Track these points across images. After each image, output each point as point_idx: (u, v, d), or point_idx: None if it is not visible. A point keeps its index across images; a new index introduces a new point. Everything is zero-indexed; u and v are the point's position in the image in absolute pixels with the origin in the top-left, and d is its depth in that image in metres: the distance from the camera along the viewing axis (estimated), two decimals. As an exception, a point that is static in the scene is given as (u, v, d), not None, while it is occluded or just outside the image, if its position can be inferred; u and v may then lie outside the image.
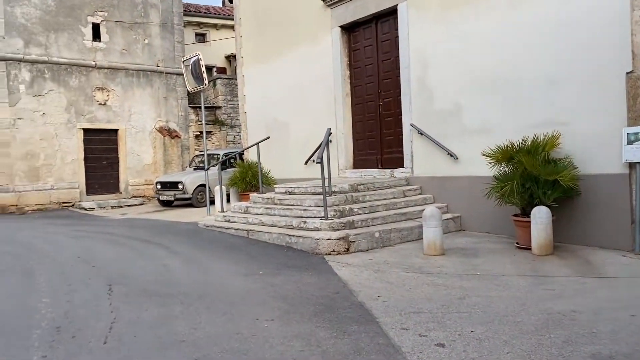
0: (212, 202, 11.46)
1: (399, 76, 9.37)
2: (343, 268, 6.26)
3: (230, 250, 7.59)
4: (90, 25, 15.13)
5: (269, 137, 10.79)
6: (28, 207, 13.96)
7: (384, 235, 7.38)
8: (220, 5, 26.64)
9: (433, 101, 8.76)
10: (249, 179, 11.52)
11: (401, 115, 9.32)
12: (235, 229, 8.78)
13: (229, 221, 9.41)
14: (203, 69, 10.94)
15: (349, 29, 10.43)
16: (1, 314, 4.86)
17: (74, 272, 6.51)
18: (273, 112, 12.24)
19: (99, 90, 15.18)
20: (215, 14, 23.72)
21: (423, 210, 8.18)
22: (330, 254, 6.95)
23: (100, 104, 15.18)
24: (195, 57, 10.98)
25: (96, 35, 15.23)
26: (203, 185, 13.61)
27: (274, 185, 10.11)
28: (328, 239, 6.98)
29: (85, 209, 14.11)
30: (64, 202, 14.53)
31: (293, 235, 7.48)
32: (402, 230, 7.61)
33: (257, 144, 10.26)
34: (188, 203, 13.96)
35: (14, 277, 6.33)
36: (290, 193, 9.21)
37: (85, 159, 14.96)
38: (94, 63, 15.10)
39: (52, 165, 14.40)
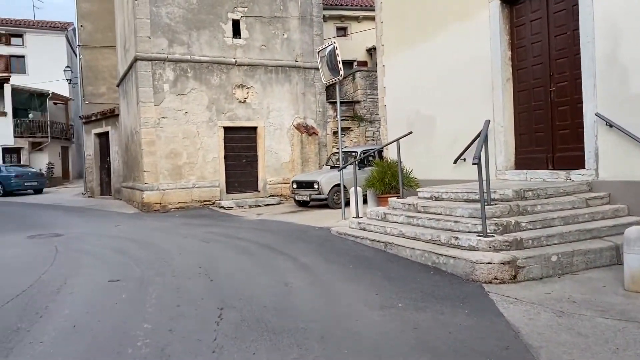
0: (348, 204, 10.39)
1: (578, 54, 7.41)
2: (511, 305, 4.71)
3: (364, 268, 6.38)
4: (231, 22, 14.96)
5: (411, 133, 9.39)
6: (171, 205, 14.16)
7: (563, 259, 5.63)
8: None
9: (628, 83, 6.70)
10: (388, 180, 10.25)
11: (581, 102, 7.35)
12: (370, 240, 7.56)
13: (364, 229, 8.23)
14: (339, 58, 9.88)
15: (511, 1, 8.63)
16: (93, 344, 4.17)
17: (189, 288, 5.79)
18: (416, 104, 10.81)
19: (238, 87, 14.98)
20: (356, 5, 22.78)
21: (613, 225, 6.29)
22: (490, 282, 5.41)
23: (240, 101, 14.97)
24: (331, 47, 9.97)
25: (236, 32, 15.04)
26: (339, 185, 12.64)
27: (417, 189, 8.72)
28: (488, 263, 5.44)
29: (224, 208, 13.95)
30: (204, 201, 14.56)
31: (441, 254, 6.05)
32: (587, 253, 5.78)
33: (398, 140, 8.93)
34: (324, 204, 13.11)
35: (127, 291, 5.77)
36: (436, 199, 7.75)
37: (226, 157, 14.85)
38: (234, 60, 14.92)
39: (193, 164, 14.48)
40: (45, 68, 30.26)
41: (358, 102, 16.67)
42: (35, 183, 23.72)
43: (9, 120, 27.11)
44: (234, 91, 14.97)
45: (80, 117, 21.78)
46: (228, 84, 14.91)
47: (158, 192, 14.07)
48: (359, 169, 12.76)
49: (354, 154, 14.11)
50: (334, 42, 9.93)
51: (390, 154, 11.41)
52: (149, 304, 5.21)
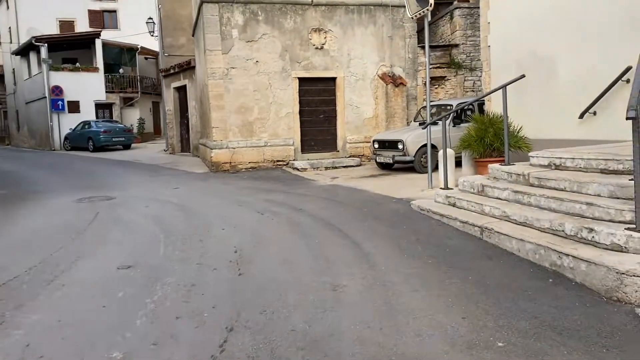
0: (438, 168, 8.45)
1: None
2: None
3: (449, 266, 4.56)
4: (307, -46, 13.03)
5: (523, 76, 7.11)
6: (242, 165, 12.89)
7: None
8: None
9: None
10: (489, 140, 8.13)
11: None
12: (461, 222, 5.66)
13: (454, 205, 6.31)
14: (428, -17, 7.77)
15: None
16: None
17: (206, 286, 4.35)
18: (529, 42, 8.43)
19: (315, 32, 13.12)
20: None
21: None
22: (651, 308, 3.41)
23: (316, 48, 13.14)
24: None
25: (313, -34, 13.14)
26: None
27: (528, 152, 6.59)
28: (648, 277, 3.42)
29: (298, 169, 12.46)
30: (277, 161, 13.13)
31: (566, 254, 4.08)
32: None
33: (504, 86, 6.72)
34: (410, 167, 11.17)
35: (130, 285, 4.43)
36: (557, 167, 5.65)
37: (301, 113, 13.21)
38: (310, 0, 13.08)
39: (265, 120, 13.02)
40: (135, 22, 29.93)
41: (456, 45, 14.19)
42: (123, 139, 23.74)
43: (100, 75, 27.35)
44: (310, 36, 13.15)
45: (159, 70, 21.14)
46: (303, 27, 13.10)
47: (227, 151, 12.83)
48: (454, 126, 10.67)
49: (448, 107, 11.92)
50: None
51: (493, 106, 9.19)
52: (143, 312, 3.81)
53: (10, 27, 31.44)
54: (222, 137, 12.85)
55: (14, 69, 31.41)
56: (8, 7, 31.64)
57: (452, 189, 7.01)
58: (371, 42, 13.57)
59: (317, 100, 13.48)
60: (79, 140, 23.94)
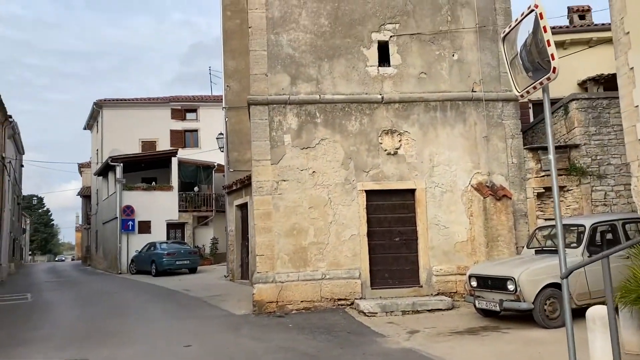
0: (583, 312, 4.90)
1: None
2: None
3: None
4: (376, 45, 10.66)
5: None
6: (291, 304, 9.84)
7: None
8: (567, 23, 19.50)
9: None
10: (681, 291, 4.56)
11: None
12: None
13: None
14: (547, 36, 4.82)
15: None
16: None
17: None
18: None
19: (386, 134, 10.44)
20: (563, 27, 17.04)
21: None
22: None
23: (388, 153, 10.38)
24: (532, 12, 4.96)
25: (383, 58, 10.72)
26: (556, 285, 7.04)
27: None
28: None
29: (364, 313, 9.17)
30: (338, 299, 9.95)
31: None
32: None
33: None
34: (528, 314, 7.55)
35: None
36: None
37: (369, 235, 10.18)
38: (380, 97, 10.53)
39: (323, 244, 10.10)
40: (214, 140, 29.61)
41: (576, 146, 10.77)
42: (187, 261, 21.70)
43: (174, 194, 26.33)
44: (381, 139, 10.43)
45: (223, 187, 19.33)
46: (372, 129, 10.45)
47: (274, 286, 9.88)
48: (589, 256, 7.07)
49: (574, 228, 8.41)
50: (534, 7, 4.91)
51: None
52: None
53: (97, 150, 32.19)
54: (267, 267, 10.00)
55: (97, 190, 31.61)
56: (97, 131, 32.68)
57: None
58: (460, 144, 10.58)
59: (391, 219, 10.42)
60: (144, 263, 22.28)
